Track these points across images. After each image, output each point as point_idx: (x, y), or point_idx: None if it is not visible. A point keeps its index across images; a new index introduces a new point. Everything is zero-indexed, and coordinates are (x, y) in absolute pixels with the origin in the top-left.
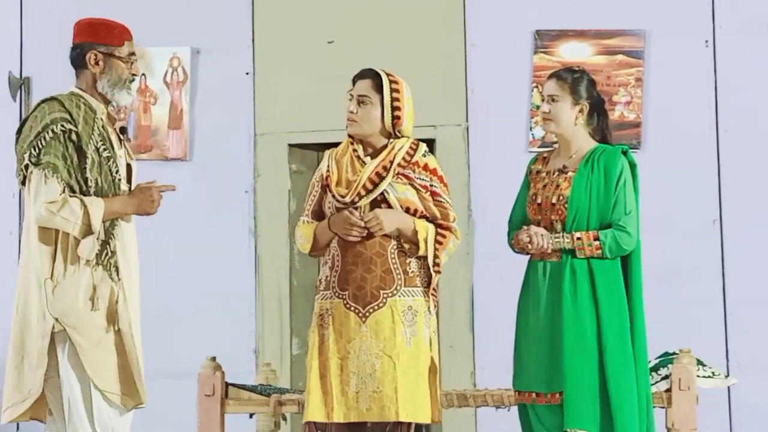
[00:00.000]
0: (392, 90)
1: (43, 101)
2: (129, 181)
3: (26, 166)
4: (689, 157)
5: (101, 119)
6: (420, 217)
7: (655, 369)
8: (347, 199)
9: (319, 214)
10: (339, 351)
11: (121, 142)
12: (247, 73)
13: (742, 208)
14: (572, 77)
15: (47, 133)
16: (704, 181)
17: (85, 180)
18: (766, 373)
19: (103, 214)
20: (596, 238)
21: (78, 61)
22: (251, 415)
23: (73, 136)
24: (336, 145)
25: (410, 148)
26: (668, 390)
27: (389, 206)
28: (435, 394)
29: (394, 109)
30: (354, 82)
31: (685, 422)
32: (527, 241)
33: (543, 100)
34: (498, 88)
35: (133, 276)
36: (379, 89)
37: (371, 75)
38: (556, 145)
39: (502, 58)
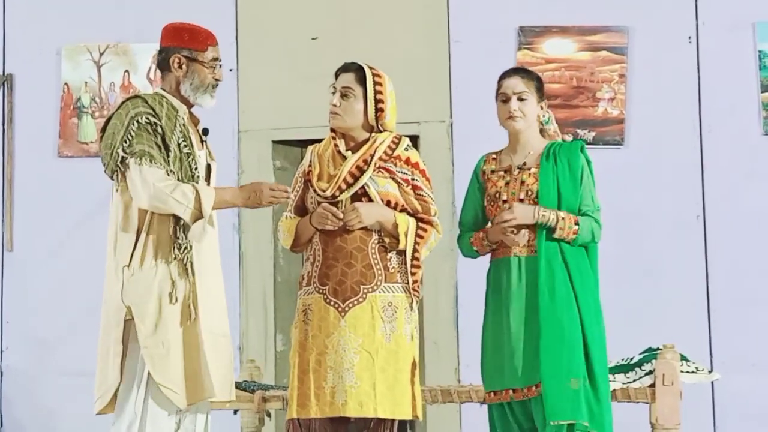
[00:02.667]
0: (375, 83)
1: (127, 99)
2: (208, 180)
3: (122, 159)
4: (672, 153)
5: (183, 118)
6: (401, 211)
7: (638, 364)
8: (328, 193)
9: (301, 210)
10: (318, 346)
11: (203, 143)
12: (230, 70)
13: (725, 205)
14: (535, 76)
15: (133, 125)
16: (687, 178)
17: (167, 173)
18: (750, 368)
19: (213, 201)
20: (576, 223)
21: (163, 64)
22: (235, 412)
23: (159, 129)
24: (320, 141)
25: (392, 142)
26: (652, 385)
27: (370, 200)
28: (416, 390)
29: (377, 101)
30: (337, 75)
31: (668, 417)
32: (511, 218)
33: (505, 99)
34: (482, 84)
35: (210, 275)
36: (362, 82)
37: (354, 68)
38: (503, 146)
39: (486, 54)
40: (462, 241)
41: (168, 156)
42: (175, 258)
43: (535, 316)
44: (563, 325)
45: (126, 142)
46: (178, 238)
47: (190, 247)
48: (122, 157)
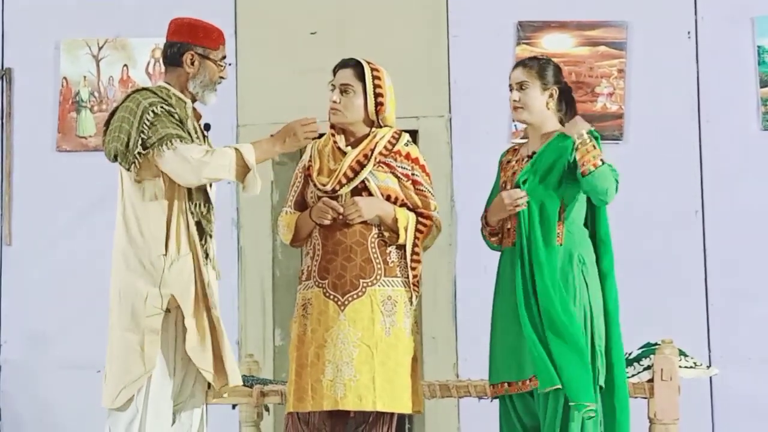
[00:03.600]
0: (374, 77)
1: (133, 91)
2: None
3: (146, 149)
4: (671, 148)
5: (187, 112)
6: (401, 206)
7: (637, 359)
8: (328, 188)
9: (301, 205)
10: (317, 340)
11: (204, 139)
12: (229, 64)
13: (724, 199)
14: (538, 63)
15: (148, 114)
16: (686, 172)
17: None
18: (748, 363)
19: (254, 154)
20: (600, 158)
21: (173, 59)
22: (234, 406)
23: (175, 116)
24: (319, 136)
25: (392, 137)
26: (650, 380)
27: (370, 194)
28: (416, 384)
29: (376, 96)
30: (335, 72)
31: (667, 412)
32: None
33: (511, 89)
34: (481, 79)
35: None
36: (360, 77)
37: (352, 64)
38: (526, 139)
39: (485, 49)
40: (482, 234)
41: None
42: (202, 246)
43: (520, 307)
44: (533, 311)
45: (144, 133)
46: (203, 226)
47: (212, 235)
48: (146, 146)
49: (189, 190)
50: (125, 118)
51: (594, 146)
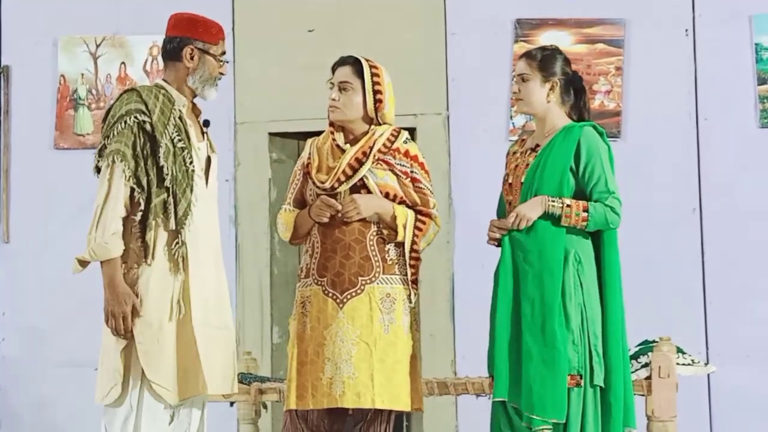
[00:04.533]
0: (373, 74)
1: (124, 92)
2: (207, 172)
3: (99, 153)
4: (669, 146)
5: (179, 110)
6: (400, 203)
7: (635, 357)
8: (327, 185)
9: (300, 203)
10: (316, 338)
11: (203, 135)
12: (227, 62)
13: (722, 197)
14: (542, 54)
15: (120, 124)
16: (684, 170)
17: (160, 168)
18: (746, 360)
19: (105, 258)
20: (585, 210)
21: (173, 53)
22: (232, 404)
23: (147, 127)
24: (317, 133)
25: (391, 134)
26: (648, 378)
27: (369, 192)
28: (415, 382)
29: (375, 93)
30: (333, 69)
31: (664, 410)
32: (514, 222)
33: (514, 81)
34: (478, 76)
35: (206, 267)
36: (359, 75)
37: (351, 61)
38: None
39: (483, 46)
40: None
41: (158, 152)
42: (167, 254)
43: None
44: (509, 310)
45: (107, 139)
46: (174, 232)
47: (183, 242)
48: (101, 154)
49: (164, 199)
50: (106, 122)
51: (568, 206)
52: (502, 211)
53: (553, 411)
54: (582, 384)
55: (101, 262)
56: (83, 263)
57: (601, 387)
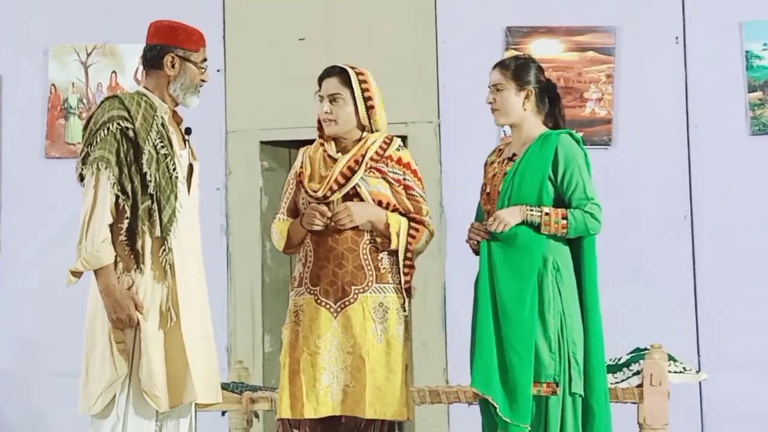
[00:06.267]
0: (361, 82)
1: (105, 99)
2: (189, 180)
3: (83, 160)
4: (660, 153)
5: (161, 117)
6: (393, 211)
7: (626, 365)
8: (319, 194)
9: (294, 212)
10: (309, 347)
11: (185, 143)
12: (218, 70)
13: (713, 204)
14: (515, 64)
15: (102, 131)
16: (675, 177)
17: (144, 175)
18: (737, 367)
19: (103, 280)
20: (564, 217)
21: (154, 61)
22: (223, 413)
23: (130, 133)
24: (308, 142)
25: (383, 142)
26: (640, 385)
27: (361, 200)
28: (407, 391)
29: (366, 100)
30: (320, 82)
31: (656, 417)
32: (494, 228)
33: (489, 92)
34: (469, 84)
35: (191, 275)
36: (347, 84)
37: (337, 71)
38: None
39: (474, 54)
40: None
41: (141, 159)
42: (154, 261)
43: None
44: (489, 311)
45: (90, 147)
46: (160, 239)
47: (170, 249)
48: (84, 162)
49: (149, 206)
50: (88, 129)
51: (547, 214)
52: (480, 221)
53: (517, 415)
54: (558, 392)
55: (95, 271)
56: (76, 274)
57: (581, 395)
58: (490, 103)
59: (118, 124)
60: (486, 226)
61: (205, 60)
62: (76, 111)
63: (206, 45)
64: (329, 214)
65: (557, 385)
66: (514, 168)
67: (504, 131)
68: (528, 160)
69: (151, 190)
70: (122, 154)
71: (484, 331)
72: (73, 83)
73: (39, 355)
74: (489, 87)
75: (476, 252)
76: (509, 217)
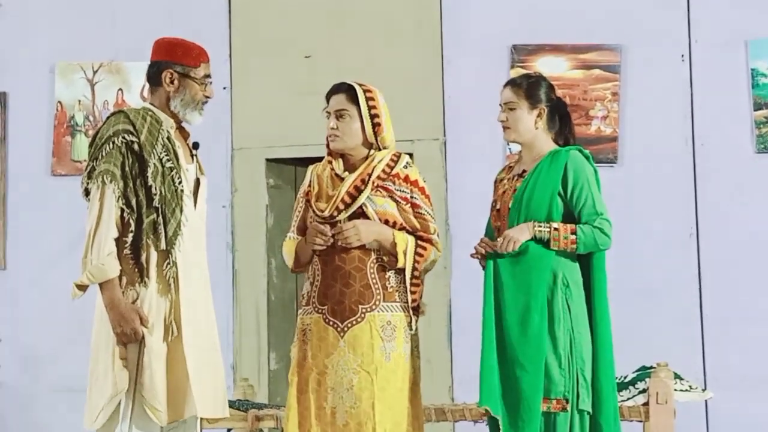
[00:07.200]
0: (368, 99)
1: (111, 114)
2: (196, 194)
3: (88, 175)
4: (666, 171)
5: (167, 131)
6: (400, 230)
7: (632, 383)
8: (326, 214)
9: (304, 230)
10: (317, 366)
11: (193, 157)
12: (224, 88)
13: (719, 222)
14: (527, 82)
15: (108, 145)
16: (681, 195)
17: (149, 188)
18: (743, 385)
19: (108, 293)
20: (573, 232)
21: (154, 78)
22: (229, 431)
23: (135, 147)
24: (314, 159)
25: (391, 160)
26: (645, 404)
27: (368, 219)
28: (416, 410)
29: (372, 117)
30: (328, 98)
31: None
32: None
33: (502, 109)
34: (475, 102)
35: (196, 289)
36: (354, 101)
37: (344, 88)
38: (517, 153)
39: (479, 72)
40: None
41: (147, 172)
42: (158, 274)
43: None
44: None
45: (96, 161)
46: (165, 252)
47: (174, 262)
48: (90, 176)
49: (154, 219)
50: (94, 144)
51: (555, 229)
52: (490, 238)
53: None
54: (568, 409)
55: (99, 285)
56: (82, 287)
57: (589, 413)
58: (502, 121)
59: (123, 138)
60: (496, 245)
61: (207, 76)
62: (83, 128)
63: (209, 61)
64: (329, 234)
65: (567, 402)
66: (524, 184)
67: (510, 149)
68: (538, 177)
69: (156, 203)
70: (127, 168)
71: (488, 347)
72: (79, 101)
73: (43, 370)
74: (501, 105)
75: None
76: (518, 234)
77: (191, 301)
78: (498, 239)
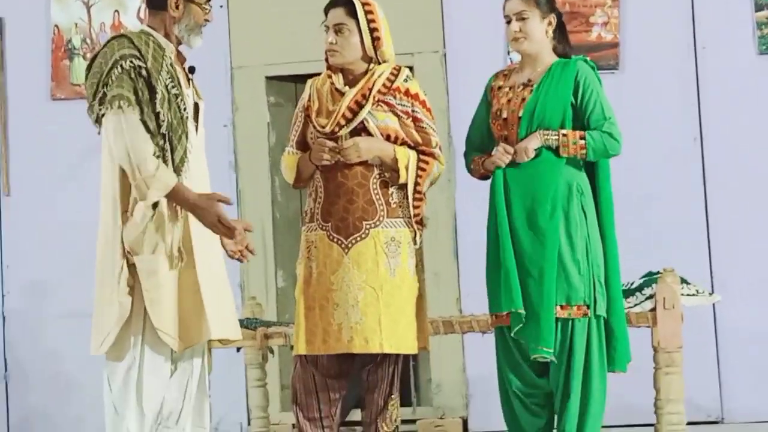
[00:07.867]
0: (366, 12)
1: (112, 38)
2: (196, 119)
3: (100, 101)
4: (668, 76)
5: (170, 57)
6: (402, 144)
7: (639, 289)
8: (327, 129)
9: (303, 145)
10: (324, 283)
11: (189, 81)
12: (221, 6)
13: (723, 125)
14: None
15: (116, 69)
16: (684, 99)
17: (157, 115)
18: (751, 289)
19: (170, 192)
20: (582, 138)
21: (158, 2)
22: (238, 349)
23: (143, 72)
24: (314, 76)
25: (391, 74)
26: (653, 309)
27: (369, 135)
28: (422, 322)
29: (372, 31)
30: (326, 12)
31: (670, 341)
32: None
33: (509, 21)
34: (474, 13)
35: None
36: (353, 15)
37: (343, 2)
38: (517, 63)
39: None
40: (466, 160)
41: (155, 98)
42: (168, 201)
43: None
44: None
45: (107, 86)
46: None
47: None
48: (102, 102)
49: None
50: (98, 67)
51: (564, 135)
52: (474, 148)
53: (543, 341)
54: (589, 314)
55: (167, 197)
56: (155, 205)
57: (604, 317)
58: (516, 31)
59: (131, 62)
60: (510, 150)
61: (209, 1)
62: (80, 51)
63: None
64: (337, 150)
65: (588, 307)
66: (536, 95)
67: (511, 59)
68: (549, 86)
69: (163, 130)
70: (140, 94)
71: (508, 254)
72: (76, 24)
73: (50, 296)
74: (509, 16)
75: (484, 178)
76: (529, 144)
77: (200, 226)
78: (499, 149)
